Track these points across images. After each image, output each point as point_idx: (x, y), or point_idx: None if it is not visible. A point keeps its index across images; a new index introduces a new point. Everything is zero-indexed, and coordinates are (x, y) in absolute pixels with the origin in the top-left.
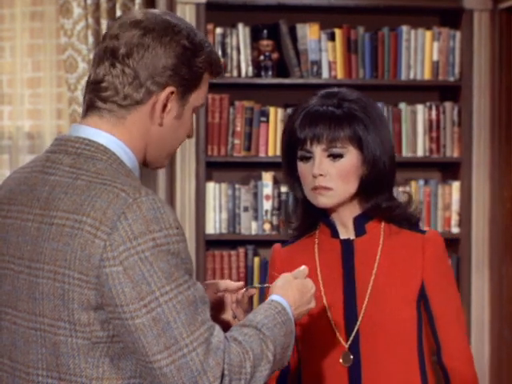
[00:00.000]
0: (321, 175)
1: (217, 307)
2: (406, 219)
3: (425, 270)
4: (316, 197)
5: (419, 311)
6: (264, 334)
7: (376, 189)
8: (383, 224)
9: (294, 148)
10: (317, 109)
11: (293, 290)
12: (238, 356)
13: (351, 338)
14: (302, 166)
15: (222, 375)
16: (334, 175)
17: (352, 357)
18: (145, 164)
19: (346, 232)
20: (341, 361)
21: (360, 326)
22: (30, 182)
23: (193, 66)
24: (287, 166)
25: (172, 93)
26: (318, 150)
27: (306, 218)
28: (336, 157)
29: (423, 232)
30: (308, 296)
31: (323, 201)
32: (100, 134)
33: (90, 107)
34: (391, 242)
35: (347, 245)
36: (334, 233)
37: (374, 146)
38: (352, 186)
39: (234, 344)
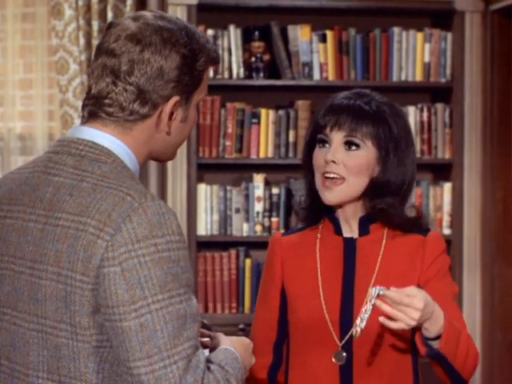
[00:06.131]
0: (333, 162)
1: None
2: (409, 226)
3: (422, 272)
4: (323, 192)
5: None
6: (227, 372)
7: (383, 192)
8: (387, 229)
9: (315, 136)
10: (343, 101)
11: (239, 343)
12: (214, 380)
13: (346, 337)
14: (317, 150)
15: None
16: (346, 165)
17: (345, 355)
18: (152, 158)
19: (350, 231)
20: (333, 359)
21: None
22: (31, 182)
23: (194, 71)
24: (306, 156)
25: (176, 102)
26: (336, 137)
27: (313, 210)
28: (352, 145)
29: (425, 234)
30: (249, 350)
31: (329, 197)
32: (104, 136)
33: (92, 116)
34: (393, 244)
35: (350, 243)
36: (338, 230)
37: (392, 151)
38: (362, 182)
39: (208, 371)
